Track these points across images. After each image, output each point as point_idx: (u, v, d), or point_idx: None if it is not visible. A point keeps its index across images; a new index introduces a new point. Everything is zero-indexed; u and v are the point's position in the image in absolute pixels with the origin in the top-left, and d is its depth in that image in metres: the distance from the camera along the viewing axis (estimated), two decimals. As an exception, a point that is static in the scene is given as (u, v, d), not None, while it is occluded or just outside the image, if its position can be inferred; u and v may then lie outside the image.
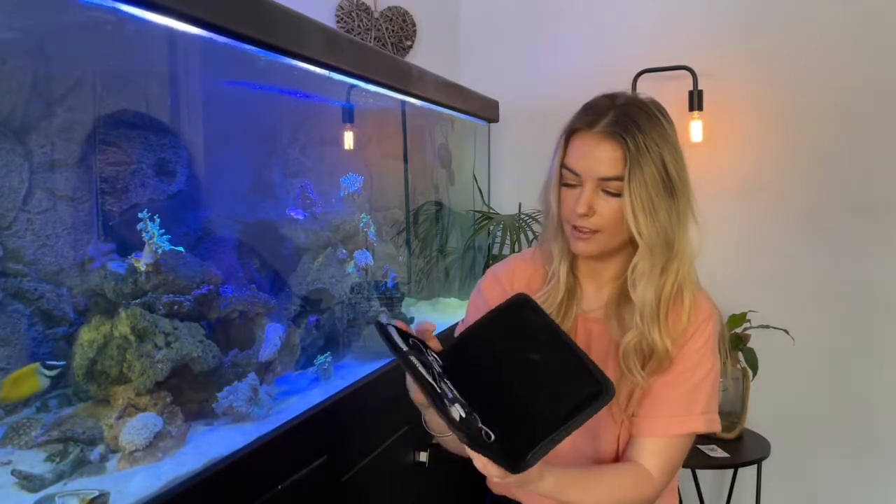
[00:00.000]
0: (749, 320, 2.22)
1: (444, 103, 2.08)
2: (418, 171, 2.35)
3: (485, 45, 2.74)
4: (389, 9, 2.55)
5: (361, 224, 1.75)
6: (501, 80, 2.66)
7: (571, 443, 0.93)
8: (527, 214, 2.39)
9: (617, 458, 1.07)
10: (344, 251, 1.70)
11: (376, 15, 2.53)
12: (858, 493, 2.36)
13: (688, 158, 1.03)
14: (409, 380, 0.90)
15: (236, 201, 1.60)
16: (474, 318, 1.19)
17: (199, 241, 1.42)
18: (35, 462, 0.95)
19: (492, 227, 2.49)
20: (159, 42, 1.23)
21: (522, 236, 2.31)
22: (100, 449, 0.99)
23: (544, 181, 1.08)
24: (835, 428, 2.36)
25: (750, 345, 2.18)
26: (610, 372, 1.07)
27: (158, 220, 1.13)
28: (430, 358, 0.89)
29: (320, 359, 1.45)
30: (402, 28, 2.57)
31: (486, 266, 2.46)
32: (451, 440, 1.03)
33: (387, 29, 2.54)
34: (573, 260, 1.11)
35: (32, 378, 1.04)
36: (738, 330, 2.21)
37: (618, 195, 0.98)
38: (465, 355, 0.94)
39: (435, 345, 0.96)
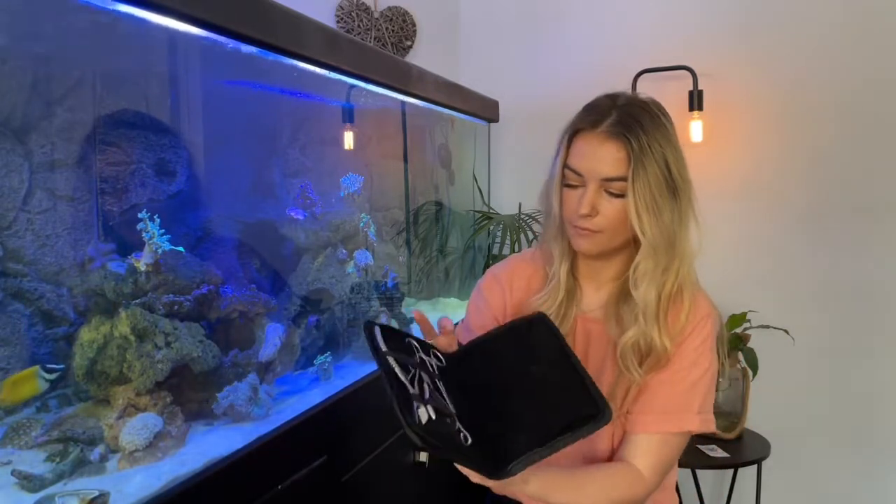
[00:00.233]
0: (749, 320, 2.22)
1: (444, 103, 2.08)
2: (418, 171, 2.35)
3: (485, 45, 2.74)
4: (389, 9, 2.55)
5: (361, 224, 1.75)
6: (501, 80, 2.66)
7: None
8: (527, 214, 2.39)
9: (611, 457, 1.07)
10: (344, 251, 1.70)
11: (376, 15, 2.53)
12: (858, 492, 2.36)
13: (688, 158, 1.03)
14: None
15: (236, 201, 1.60)
16: (475, 319, 1.19)
17: (199, 241, 1.42)
18: (35, 462, 0.95)
19: (492, 227, 2.49)
20: (159, 42, 1.23)
21: (522, 236, 2.31)
22: (100, 449, 0.99)
23: (545, 182, 1.08)
24: (835, 428, 2.36)
25: (750, 345, 2.18)
26: (608, 371, 1.07)
27: (158, 220, 1.13)
28: (428, 358, 0.89)
29: (320, 359, 1.45)
30: (402, 28, 2.57)
31: (486, 266, 2.46)
32: None
33: (387, 29, 2.54)
34: (573, 261, 1.11)
35: (32, 381, 1.04)
36: (738, 330, 2.21)
37: (621, 196, 0.98)
38: (473, 360, 0.94)
39: (446, 343, 0.96)
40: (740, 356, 2.19)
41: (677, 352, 1.03)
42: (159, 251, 1.14)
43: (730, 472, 2.36)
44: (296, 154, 1.80)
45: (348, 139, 1.87)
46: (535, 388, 0.89)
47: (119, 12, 0.94)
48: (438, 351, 0.94)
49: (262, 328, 1.33)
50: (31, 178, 1.14)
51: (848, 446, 2.35)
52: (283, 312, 1.47)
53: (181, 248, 1.23)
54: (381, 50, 2.03)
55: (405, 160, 2.22)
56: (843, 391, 2.34)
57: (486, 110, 2.50)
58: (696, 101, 2.33)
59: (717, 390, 2.20)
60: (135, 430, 1.00)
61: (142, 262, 1.13)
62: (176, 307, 1.16)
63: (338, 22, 2.43)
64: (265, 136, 1.73)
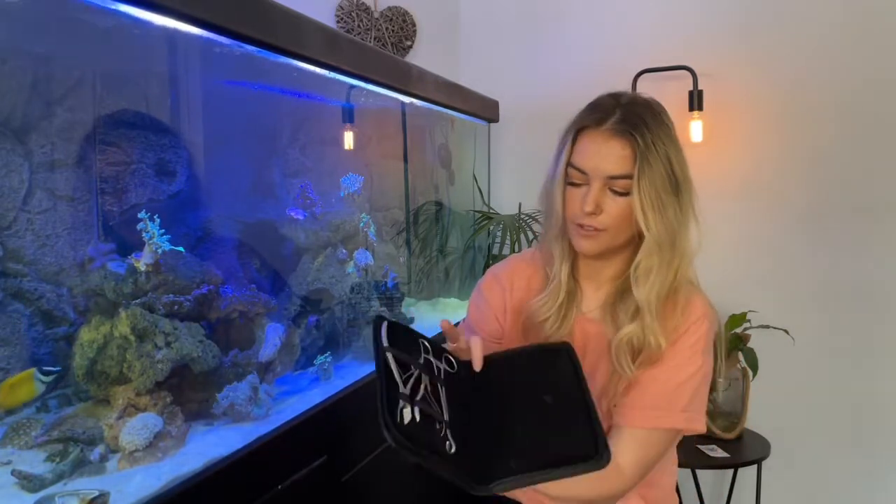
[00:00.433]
0: (749, 320, 2.22)
1: (444, 103, 2.08)
2: (418, 171, 2.35)
3: (485, 45, 2.74)
4: (389, 9, 2.55)
5: (361, 224, 1.75)
6: (501, 80, 2.66)
7: None
8: (527, 214, 2.39)
9: None
10: (344, 251, 1.70)
11: (376, 15, 2.53)
12: (858, 492, 2.36)
13: (688, 158, 1.03)
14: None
15: (236, 201, 1.60)
16: (475, 318, 1.19)
17: (199, 241, 1.42)
18: (35, 462, 0.95)
19: (492, 227, 2.49)
20: (159, 42, 1.23)
21: (522, 236, 2.31)
22: (100, 449, 0.99)
23: (545, 182, 1.08)
24: (835, 428, 2.36)
25: (750, 345, 2.18)
26: (602, 369, 1.07)
27: (158, 220, 1.13)
28: (437, 362, 0.88)
29: (320, 359, 1.45)
30: (402, 28, 2.57)
31: (486, 266, 2.46)
32: None
33: (387, 29, 2.54)
34: (574, 261, 1.11)
35: (30, 384, 1.04)
36: (738, 330, 2.21)
37: (625, 194, 0.98)
38: (486, 373, 0.93)
39: (470, 353, 0.93)
40: (740, 356, 2.18)
41: (670, 350, 1.03)
42: (159, 251, 1.14)
43: (730, 472, 2.36)
44: (296, 154, 1.80)
45: (348, 139, 1.87)
46: (540, 415, 0.88)
47: (119, 12, 0.94)
48: (454, 357, 0.93)
49: (262, 328, 1.33)
50: (31, 178, 1.14)
51: (848, 446, 2.35)
52: (283, 312, 1.47)
53: (181, 248, 1.23)
54: (381, 50, 2.03)
55: (405, 160, 2.23)
56: (843, 391, 2.34)
57: (486, 110, 2.50)
58: (696, 101, 2.33)
59: (717, 390, 2.20)
60: (135, 430, 1.00)
61: (142, 262, 1.13)
62: (176, 307, 1.16)
63: (338, 22, 2.43)
64: (265, 136, 1.73)
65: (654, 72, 2.39)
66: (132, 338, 1.08)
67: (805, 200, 2.34)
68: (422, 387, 0.82)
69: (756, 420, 2.27)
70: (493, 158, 2.75)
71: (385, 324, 0.87)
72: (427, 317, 2.11)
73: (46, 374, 1.05)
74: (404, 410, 0.78)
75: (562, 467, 0.80)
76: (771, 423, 2.30)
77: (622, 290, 1.06)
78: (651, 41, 2.47)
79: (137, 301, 1.11)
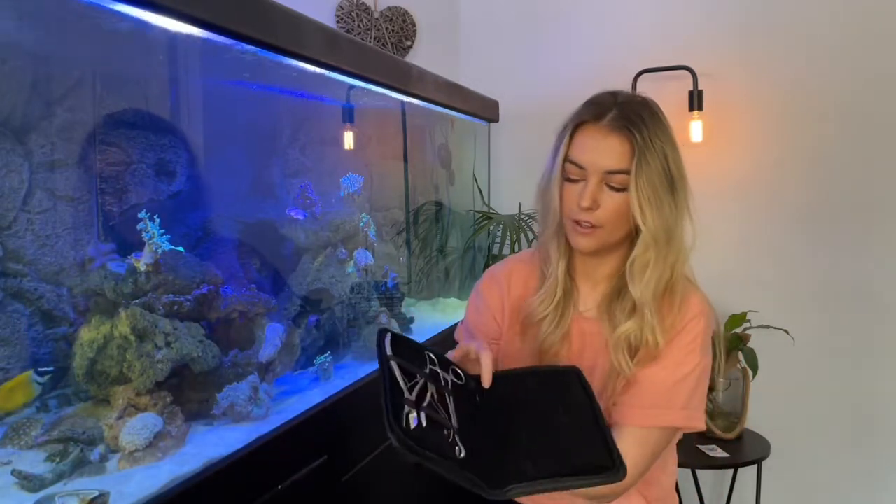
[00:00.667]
0: (749, 320, 2.22)
1: (444, 103, 2.08)
2: (418, 171, 2.35)
3: (485, 45, 2.74)
4: (389, 9, 2.55)
5: (361, 224, 1.75)
6: (501, 80, 2.66)
7: None
8: (527, 214, 2.39)
9: None
10: (344, 251, 1.70)
11: (376, 15, 2.53)
12: (858, 492, 2.36)
13: (688, 158, 1.04)
14: None
15: (236, 201, 1.60)
16: (474, 319, 1.19)
17: (199, 241, 1.42)
18: (35, 462, 0.95)
19: (492, 227, 2.49)
20: (159, 42, 1.23)
21: (522, 236, 2.31)
22: (100, 449, 0.99)
23: (541, 179, 1.08)
24: (835, 428, 2.36)
25: (750, 345, 2.18)
26: (600, 368, 1.07)
27: (158, 220, 1.13)
28: (444, 374, 0.88)
29: (320, 359, 1.45)
30: (402, 28, 2.57)
31: (486, 266, 2.46)
32: None
33: (387, 29, 2.54)
34: (570, 259, 1.11)
35: (28, 387, 1.04)
36: (738, 330, 2.21)
37: (621, 190, 0.99)
38: (496, 388, 0.92)
39: (475, 363, 0.94)
40: (740, 356, 2.18)
41: (668, 347, 1.03)
42: (159, 251, 1.14)
43: (730, 472, 2.36)
44: (296, 154, 1.80)
45: (348, 139, 1.87)
46: (552, 430, 0.88)
47: (119, 12, 0.94)
48: (461, 369, 0.93)
49: (262, 328, 1.33)
50: (31, 178, 1.14)
51: (848, 446, 2.35)
52: (283, 312, 1.47)
53: (181, 248, 1.23)
54: (381, 50, 2.03)
55: (405, 160, 2.23)
56: (843, 391, 2.34)
57: (486, 110, 2.50)
58: (696, 101, 2.33)
59: (717, 390, 2.20)
60: (135, 430, 1.00)
61: (142, 262, 1.13)
62: (176, 307, 1.16)
63: (338, 22, 2.43)
64: (265, 136, 1.73)
65: (654, 72, 2.39)
66: (132, 338, 1.08)
67: (805, 200, 2.34)
68: (428, 395, 0.82)
69: (756, 420, 2.27)
70: (493, 158, 2.75)
71: (389, 335, 0.88)
72: (427, 317, 2.11)
73: (42, 374, 1.05)
74: (410, 416, 0.77)
75: (579, 476, 0.79)
76: (771, 423, 2.30)
77: (618, 288, 1.07)
78: (651, 41, 2.47)
79: (137, 301, 1.11)
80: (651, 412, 1.02)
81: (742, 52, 2.38)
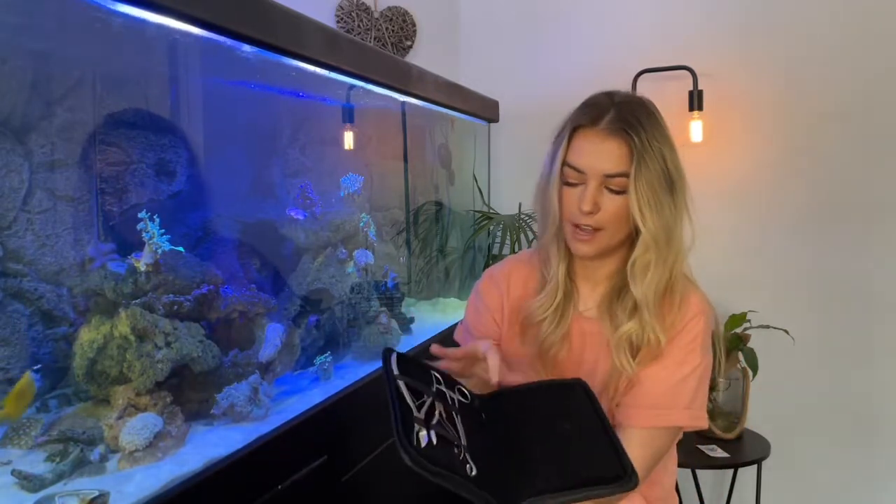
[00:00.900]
0: (749, 320, 2.22)
1: (444, 103, 2.08)
2: (418, 171, 2.35)
3: (485, 45, 2.74)
4: (389, 9, 2.55)
5: (361, 224, 1.75)
6: (501, 80, 2.66)
7: None
8: (527, 214, 2.39)
9: None
10: (344, 251, 1.70)
11: (376, 15, 2.53)
12: (858, 492, 2.36)
13: (688, 158, 1.04)
14: None
15: (236, 201, 1.60)
16: (473, 320, 1.19)
17: (199, 241, 1.42)
18: (35, 462, 0.95)
19: (492, 227, 2.49)
20: (159, 42, 1.23)
21: (522, 236, 2.31)
22: (100, 449, 0.99)
23: (538, 183, 1.08)
24: (835, 428, 2.36)
25: (750, 345, 2.18)
26: (601, 368, 1.07)
27: (158, 220, 1.13)
28: (450, 392, 0.88)
29: (320, 359, 1.45)
30: (402, 28, 2.57)
31: (486, 266, 2.46)
32: None
33: (387, 29, 2.54)
34: (570, 262, 1.11)
35: (32, 386, 1.05)
36: (738, 330, 2.21)
37: (621, 192, 0.99)
38: (502, 404, 0.93)
39: (477, 376, 0.94)
40: (740, 356, 2.18)
41: (668, 347, 1.03)
42: (159, 251, 1.14)
43: (730, 472, 2.36)
44: (296, 154, 1.80)
45: (348, 139, 1.87)
46: (560, 442, 0.88)
47: (119, 12, 0.94)
48: (466, 388, 0.93)
49: (262, 328, 1.33)
50: (31, 178, 1.14)
51: (848, 446, 2.35)
52: (283, 312, 1.47)
53: (181, 248, 1.23)
54: (381, 50, 2.03)
55: (405, 160, 2.23)
56: (843, 391, 2.34)
57: (486, 110, 2.50)
58: (696, 101, 2.33)
59: (717, 390, 2.20)
60: (135, 430, 1.00)
61: (142, 262, 1.13)
62: (176, 307, 1.16)
63: (338, 22, 2.43)
64: (265, 136, 1.73)
65: (654, 72, 2.39)
66: (132, 338, 1.08)
67: (805, 200, 2.34)
68: (436, 413, 0.82)
69: (756, 420, 2.27)
70: (493, 158, 2.75)
71: (394, 355, 0.88)
72: (427, 317, 2.11)
73: (36, 371, 1.06)
74: (420, 434, 0.78)
75: (592, 487, 0.79)
76: (771, 423, 2.30)
77: (619, 288, 1.07)
78: (651, 41, 2.47)
79: (137, 301, 1.11)
80: (654, 412, 1.02)
81: (742, 52, 2.38)
